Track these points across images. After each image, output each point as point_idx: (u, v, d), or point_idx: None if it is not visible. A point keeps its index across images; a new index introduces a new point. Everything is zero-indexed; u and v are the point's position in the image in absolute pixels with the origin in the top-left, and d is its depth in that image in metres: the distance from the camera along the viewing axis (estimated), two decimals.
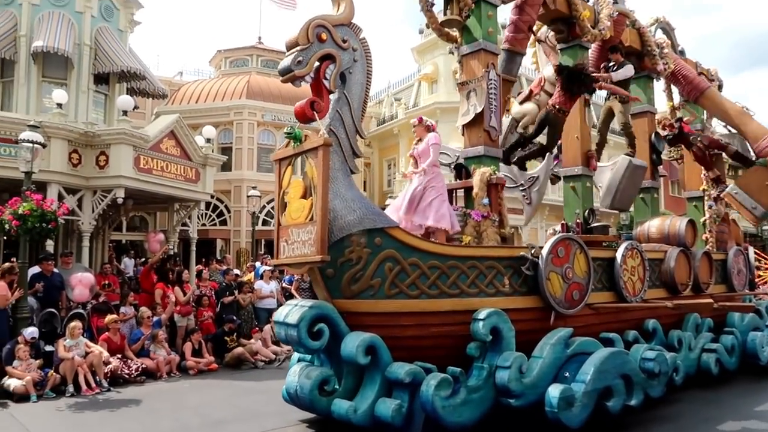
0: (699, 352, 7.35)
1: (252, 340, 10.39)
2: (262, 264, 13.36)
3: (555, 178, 8.77)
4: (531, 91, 8.21)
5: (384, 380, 4.82)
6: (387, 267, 4.98)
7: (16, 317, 8.41)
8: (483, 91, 6.46)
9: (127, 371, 8.49)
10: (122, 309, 9.83)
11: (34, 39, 11.84)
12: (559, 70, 7.22)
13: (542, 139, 7.74)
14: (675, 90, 10.16)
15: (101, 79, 13.08)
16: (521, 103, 8.35)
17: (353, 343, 4.68)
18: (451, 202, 6.33)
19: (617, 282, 6.57)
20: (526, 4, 7.18)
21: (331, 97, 5.00)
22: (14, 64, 12.12)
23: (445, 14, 6.64)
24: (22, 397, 7.35)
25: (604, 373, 5.46)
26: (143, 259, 13.69)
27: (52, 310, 8.82)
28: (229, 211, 20.35)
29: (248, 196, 16.60)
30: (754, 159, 9.15)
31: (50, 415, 6.86)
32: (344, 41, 4.97)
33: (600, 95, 9.96)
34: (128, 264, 13.39)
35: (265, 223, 19.52)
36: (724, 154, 9.96)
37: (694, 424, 5.82)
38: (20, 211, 8.19)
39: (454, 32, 6.88)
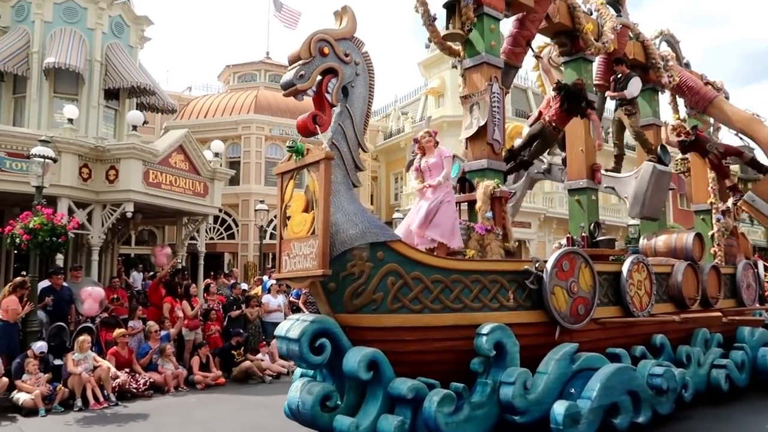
0: (708, 368, 7.22)
1: (259, 355, 10.39)
2: (269, 278, 13.39)
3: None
4: (540, 113, 8.30)
5: (386, 396, 4.76)
6: (389, 281, 4.95)
7: (26, 331, 8.49)
8: (486, 105, 6.47)
9: (134, 385, 8.52)
10: (131, 323, 9.89)
11: (46, 55, 12.08)
12: (559, 87, 7.23)
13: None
14: (681, 102, 10.12)
15: (111, 94, 13.31)
16: (531, 125, 8.43)
17: (355, 358, 4.64)
18: None
19: (623, 296, 6.49)
20: (527, 18, 7.22)
21: (334, 110, 5.02)
22: (26, 80, 12.37)
23: (447, 28, 6.70)
24: (30, 411, 7.40)
25: (611, 389, 5.37)
26: (151, 273, 13.77)
27: (61, 323, 8.89)
28: (236, 225, 20.46)
29: (256, 210, 16.69)
30: None
31: (58, 429, 6.90)
32: (346, 55, 4.99)
33: (609, 108, 9.95)
34: (137, 278, 13.48)
35: (272, 236, 19.54)
36: (731, 167, 9.90)
37: None
38: (31, 225, 8.31)
39: (457, 46, 6.92)
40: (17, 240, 8.40)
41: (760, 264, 9.34)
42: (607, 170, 8.76)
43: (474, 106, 6.60)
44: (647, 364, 6.17)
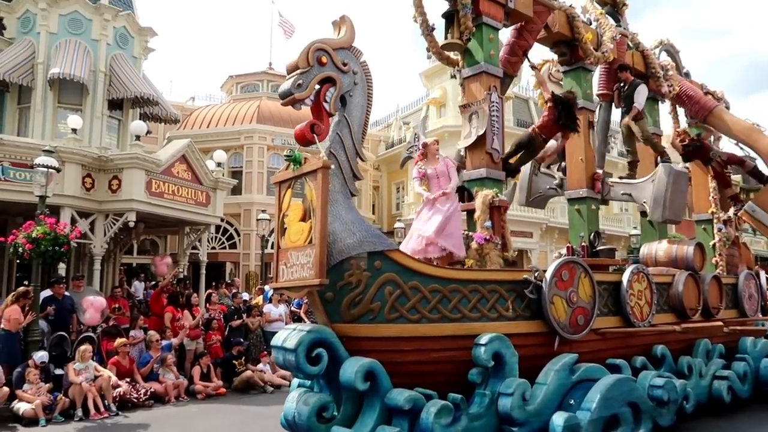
0: (710, 379, 7.15)
1: (260, 365, 10.36)
2: (270, 287, 13.38)
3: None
4: None
5: (383, 407, 4.73)
6: (387, 291, 4.93)
7: (27, 340, 8.50)
8: (485, 114, 6.49)
9: (135, 395, 8.50)
10: (132, 332, 9.89)
11: (51, 66, 12.19)
12: (555, 100, 7.24)
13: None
14: (681, 112, 10.12)
15: (115, 104, 13.41)
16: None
17: (352, 368, 4.61)
18: None
19: (624, 306, 6.45)
20: (525, 29, 7.25)
21: (332, 119, 5.03)
22: (31, 91, 12.48)
23: (446, 38, 6.73)
24: (31, 421, 7.39)
25: (611, 400, 5.31)
26: (153, 283, 13.79)
27: (63, 333, 8.91)
28: (238, 235, 20.50)
29: (258, 220, 16.73)
30: None
31: None
32: (344, 64, 5.01)
33: (615, 118, 9.94)
34: (138, 287, 13.51)
35: (273, 246, 19.59)
36: (733, 177, 9.88)
37: None
38: (34, 235, 8.35)
39: (455, 56, 6.95)
40: (20, 249, 8.44)
41: (763, 274, 9.27)
42: (621, 177, 8.74)
43: (473, 115, 6.62)
44: (648, 375, 6.11)
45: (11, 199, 10.46)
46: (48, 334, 8.88)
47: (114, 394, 8.15)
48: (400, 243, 6.46)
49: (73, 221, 10.72)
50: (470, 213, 6.47)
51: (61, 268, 10.53)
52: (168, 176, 12.25)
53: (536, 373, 5.42)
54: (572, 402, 5.30)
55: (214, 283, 14.84)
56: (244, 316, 11.16)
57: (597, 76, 8.86)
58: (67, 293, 9.64)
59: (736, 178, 10.83)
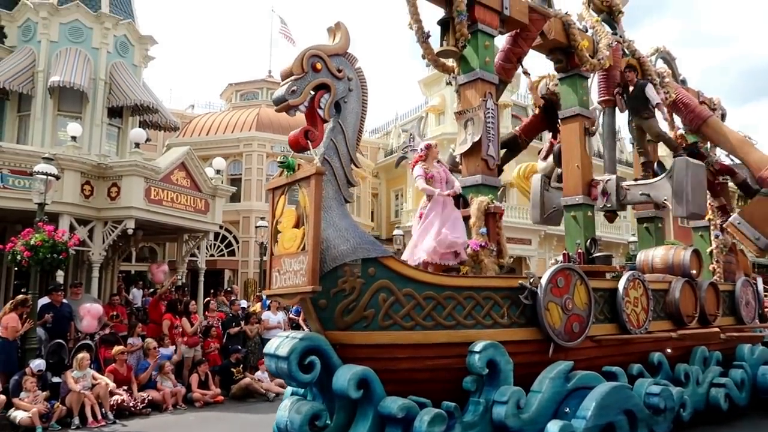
0: (707, 387, 7.11)
1: (258, 372, 10.33)
2: (263, 294, 13.37)
3: (612, 215, 8.57)
4: (551, 144, 8.38)
5: (376, 415, 4.70)
6: (381, 297, 4.92)
7: (24, 348, 8.49)
8: (480, 121, 6.50)
9: (132, 403, 8.48)
10: (130, 340, 9.88)
11: (51, 74, 12.23)
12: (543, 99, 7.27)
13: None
14: (677, 119, 10.12)
15: (115, 112, 13.44)
16: (544, 158, 8.51)
17: (345, 376, 4.59)
18: None
19: (620, 313, 6.43)
20: (520, 36, 7.28)
21: (326, 126, 5.04)
22: (31, 99, 12.51)
23: (441, 45, 6.75)
24: (27, 429, 7.38)
25: (606, 408, 5.29)
26: (151, 290, 13.78)
27: (60, 341, 8.90)
28: (237, 242, 20.50)
29: (257, 227, 16.75)
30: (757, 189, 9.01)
31: None
32: (339, 71, 5.01)
33: (622, 122, 9.93)
34: (136, 294, 13.48)
35: None
36: (730, 184, 9.86)
37: None
38: (32, 242, 8.36)
39: (451, 63, 6.97)
40: (18, 256, 8.45)
41: (760, 281, 9.23)
42: (636, 179, 8.72)
43: (468, 122, 6.63)
44: (644, 382, 6.09)
45: (10, 207, 10.48)
46: (45, 341, 8.87)
47: (111, 402, 8.13)
48: (398, 250, 6.47)
49: (72, 228, 10.72)
50: (465, 219, 6.47)
51: (59, 275, 10.51)
52: (167, 183, 12.26)
53: (531, 381, 5.39)
54: (567, 410, 5.28)
55: (212, 291, 14.84)
56: (243, 323, 11.14)
57: (595, 84, 8.85)
58: (65, 301, 9.64)
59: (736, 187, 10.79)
